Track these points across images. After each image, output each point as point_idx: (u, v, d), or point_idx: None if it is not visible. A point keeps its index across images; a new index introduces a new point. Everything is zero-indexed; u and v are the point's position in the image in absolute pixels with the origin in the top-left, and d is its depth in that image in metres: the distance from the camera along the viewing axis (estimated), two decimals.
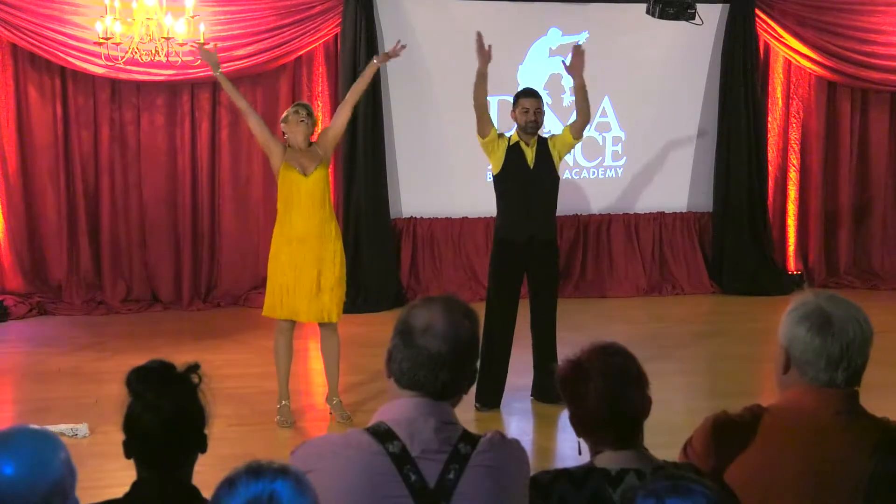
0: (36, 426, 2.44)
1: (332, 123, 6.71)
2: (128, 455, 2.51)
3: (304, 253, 6.31)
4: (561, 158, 6.94)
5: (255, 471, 1.99)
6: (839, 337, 2.59)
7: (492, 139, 6.83)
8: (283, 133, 6.47)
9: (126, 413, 2.52)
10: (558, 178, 6.96)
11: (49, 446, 2.34)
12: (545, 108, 7.04)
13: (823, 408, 2.62)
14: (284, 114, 6.53)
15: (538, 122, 6.81)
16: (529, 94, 6.95)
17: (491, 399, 6.73)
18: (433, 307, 2.51)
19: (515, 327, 6.82)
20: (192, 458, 2.54)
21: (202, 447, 2.54)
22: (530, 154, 6.81)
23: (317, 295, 6.34)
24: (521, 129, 6.82)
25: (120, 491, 2.50)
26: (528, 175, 6.76)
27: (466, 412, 6.48)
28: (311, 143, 6.46)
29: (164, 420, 2.46)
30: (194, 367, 2.57)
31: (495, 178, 6.92)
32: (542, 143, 6.89)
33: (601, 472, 2.59)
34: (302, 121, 6.37)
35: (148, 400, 2.49)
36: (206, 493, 2.45)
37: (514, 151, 6.81)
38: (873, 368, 2.71)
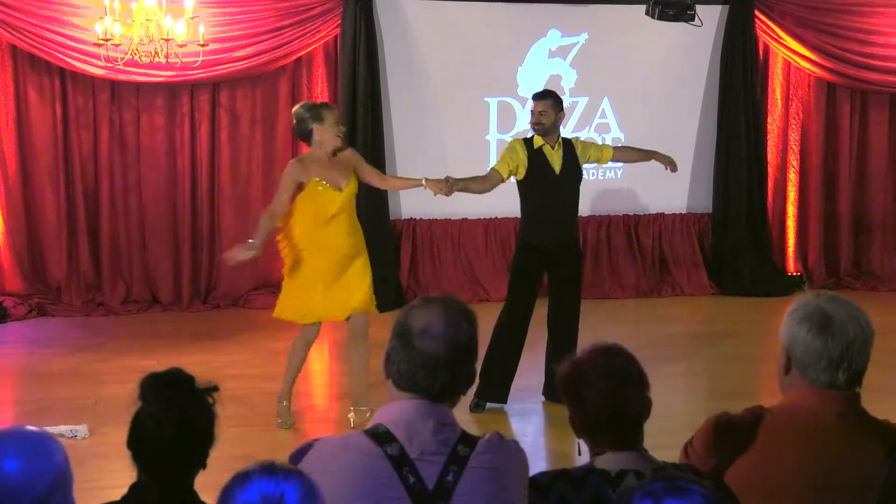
0: (33, 427, 2.45)
1: (368, 173, 6.53)
2: (128, 447, 2.51)
3: (338, 265, 6.23)
4: (584, 162, 6.89)
5: (270, 469, 2.02)
6: (839, 338, 2.58)
7: (513, 165, 6.72)
8: (312, 132, 6.19)
9: (133, 415, 2.51)
10: (582, 176, 6.92)
11: (49, 443, 2.36)
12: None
13: (825, 409, 2.61)
14: (322, 112, 6.20)
15: (542, 124, 6.68)
16: (536, 96, 6.85)
17: (493, 393, 6.72)
18: (432, 308, 2.50)
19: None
20: (190, 470, 2.53)
21: (201, 464, 2.54)
22: (556, 158, 6.72)
23: (347, 297, 6.29)
24: (534, 132, 6.79)
25: (119, 492, 2.50)
26: (554, 181, 6.69)
27: (466, 413, 6.49)
28: (335, 153, 6.27)
29: (166, 434, 2.45)
30: (212, 388, 2.56)
31: (519, 182, 6.79)
32: (568, 146, 6.80)
33: (601, 473, 2.59)
34: (339, 136, 6.21)
35: (154, 410, 2.48)
36: (204, 494, 2.45)
37: (537, 156, 6.71)
38: (873, 370, 2.71)
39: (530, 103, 6.89)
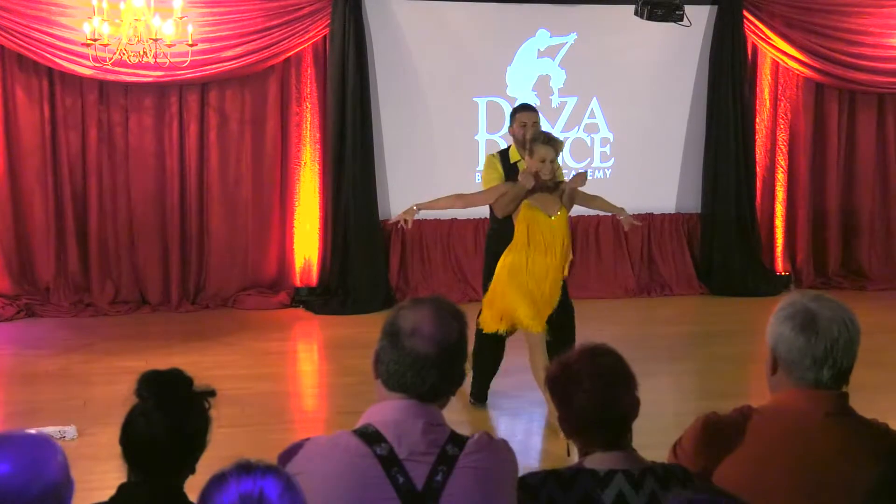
0: (33, 430, 2.42)
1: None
2: (119, 443, 2.51)
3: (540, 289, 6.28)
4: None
5: (246, 468, 2.00)
6: (824, 336, 2.59)
7: (496, 173, 6.77)
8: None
9: (128, 412, 2.51)
10: None
11: (47, 450, 2.31)
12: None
13: (813, 409, 2.62)
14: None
15: None
16: (527, 107, 6.94)
17: (481, 396, 6.78)
18: (421, 309, 2.51)
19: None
20: (179, 472, 2.52)
21: (191, 469, 2.52)
22: None
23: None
24: (520, 144, 6.76)
25: (108, 493, 2.50)
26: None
27: (457, 412, 6.49)
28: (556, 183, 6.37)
29: (156, 433, 2.45)
30: (209, 393, 2.55)
31: None
32: None
33: (590, 473, 2.59)
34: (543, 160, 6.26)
35: (147, 407, 2.48)
36: (193, 495, 2.44)
37: (512, 171, 6.71)
38: (862, 369, 2.71)
39: (519, 115, 6.88)
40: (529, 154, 6.33)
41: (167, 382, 2.53)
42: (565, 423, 2.69)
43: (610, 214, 10.49)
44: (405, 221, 6.40)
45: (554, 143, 6.30)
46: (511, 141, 7.05)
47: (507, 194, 6.33)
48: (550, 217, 6.27)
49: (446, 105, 10.26)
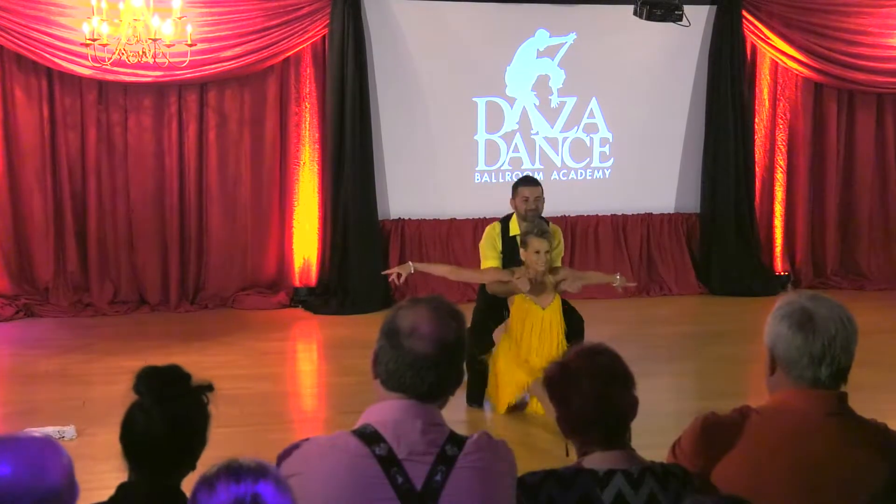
0: (37, 433, 2.41)
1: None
2: (120, 440, 2.50)
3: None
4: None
5: (235, 472, 1.97)
6: (821, 334, 2.59)
7: (498, 253, 6.83)
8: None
9: (127, 408, 2.51)
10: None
11: (50, 454, 2.28)
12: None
13: (812, 409, 2.62)
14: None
15: (538, 210, 6.76)
16: (530, 181, 6.93)
17: (477, 398, 6.79)
18: (420, 308, 2.51)
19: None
20: (179, 470, 2.51)
21: (191, 466, 2.52)
22: None
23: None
24: (521, 218, 6.76)
25: (107, 493, 2.50)
26: None
27: (456, 412, 6.48)
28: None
29: (155, 429, 2.44)
30: (207, 387, 2.55)
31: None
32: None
33: (589, 472, 2.59)
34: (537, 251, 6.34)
35: (144, 403, 2.48)
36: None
37: (510, 244, 6.75)
38: (860, 369, 2.71)
39: (521, 189, 6.84)
40: (523, 245, 6.43)
41: (165, 378, 2.52)
42: (564, 423, 2.69)
43: (609, 215, 10.63)
44: (398, 276, 6.65)
45: (547, 236, 6.42)
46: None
47: (501, 283, 6.50)
48: (543, 308, 6.42)
49: (446, 105, 10.26)
